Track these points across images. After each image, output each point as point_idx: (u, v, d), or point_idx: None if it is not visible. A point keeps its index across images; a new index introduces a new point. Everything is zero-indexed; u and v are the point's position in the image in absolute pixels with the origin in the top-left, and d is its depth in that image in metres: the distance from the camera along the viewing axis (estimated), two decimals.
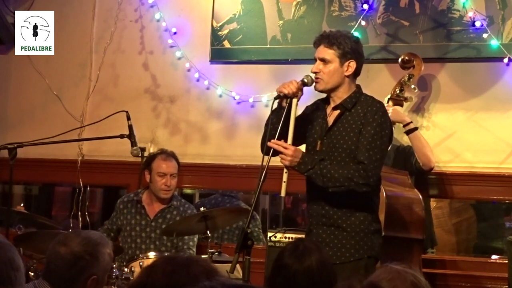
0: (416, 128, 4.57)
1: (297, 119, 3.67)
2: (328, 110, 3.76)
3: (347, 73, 3.69)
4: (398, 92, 4.65)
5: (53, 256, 2.71)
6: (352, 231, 3.61)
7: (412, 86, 4.67)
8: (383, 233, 3.82)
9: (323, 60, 3.68)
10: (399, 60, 4.67)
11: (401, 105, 4.69)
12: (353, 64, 3.69)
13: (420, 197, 4.37)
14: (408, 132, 4.56)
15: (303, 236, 3.95)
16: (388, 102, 4.61)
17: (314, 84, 3.71)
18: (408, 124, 4.56)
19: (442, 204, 5.23)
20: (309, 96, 4.87)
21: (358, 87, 3.75)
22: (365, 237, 3.63)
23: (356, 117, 3.65)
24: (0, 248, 1.98)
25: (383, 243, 3.74)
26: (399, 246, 4.13)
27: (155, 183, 4.80)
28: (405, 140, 4.73)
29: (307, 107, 3.87)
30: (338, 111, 3.71)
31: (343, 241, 3.60)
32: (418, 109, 4.90)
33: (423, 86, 4.88)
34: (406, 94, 4.66)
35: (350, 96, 3.70)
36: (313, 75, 3.75)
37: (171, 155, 4.87)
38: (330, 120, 3.72)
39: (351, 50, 3.69)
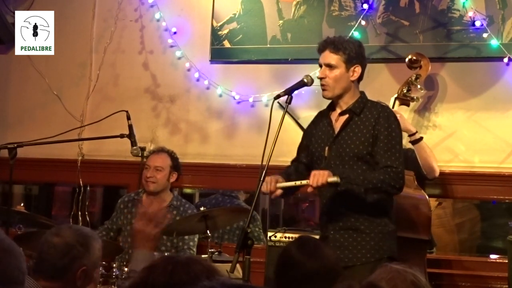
0: (421, 138, 4.51)
1: (304, 135, 3.79)
2: (334, 116, 3.77)
3: (352, 78, 3.72)
4: (405, 91, 4.63)
5: (46, 246, 2.77)
6: (371, 233, 3.63)
7: (419, 86, 4.65)
8: None
9: (329, 66, 3.69)
10: (406, 59, 4.65)
11: (408, 105, 4.68)
12: (358, 69, 3.71)
13: (427, 197, 4.35)
14: (413, 142, 4.50)
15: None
16: (394, 102, 4.59)
17: (322, 91, 3.73)
18: (413, 134, 4.50)
19: (445, 204, 5.21)
20: (309, 96, 4.90)
21: (363, 93, 3.78)
22: (384, 238, 3.66)
23: (366, 122, 3.67)
24: (14, 254, 2.05)
25: None
26: (405, 246, 4.12)
27: (142, 177, 4.84)
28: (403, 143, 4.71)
29: (309, 124, 3.90)
30: (345, 117, 3.71)
31: (363, 243, 3.62)
32: (419, 109, 4.90)
33: (427, 86, 4.87)
34: (413, 94, 4.65)
35: (357, 101, 3.73)
36: (313, 75, 3.77)
37: (161, 150, 4.89)
38: (338, 125, 3.73)
39: (355, 55, 3.71)
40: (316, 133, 3.81)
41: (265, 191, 3.53)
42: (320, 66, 3.74)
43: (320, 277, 2.83)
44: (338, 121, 3.74)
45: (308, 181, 3.48)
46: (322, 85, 3.71)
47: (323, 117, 3.83)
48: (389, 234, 3.68)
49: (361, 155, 3.63)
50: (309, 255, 2.87)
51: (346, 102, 3.73)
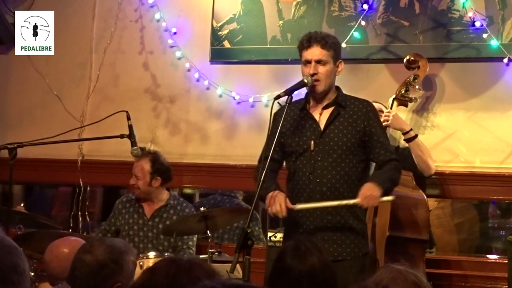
0: (416, 136, 4.52)
1: (278, 132, 3.65)
2: (315, 111, 3.78)
3: (337, 74, 3.81)
4: (403, 92, 4.63)
5: (79, 264, 2.78)
6: (356, 228, 3.70)
7: (417, 87, 4.66)
8: (388, 233, 3.89)
9: (320, 62, 3.71)
10: (404, 60, 4.66)
11: (406, 106, 4.69)
12: (341, 65, 3.82)
13: (425, 197, 4.37)
14: (408, 140, 4.51)
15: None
16: (393, 102, 4.60)
17: (312, 86, 3.73)
18: (408, 132, 4.50)
19: (444, 204, 5.22)
20: None
21: (338, 87, 3.85)
22: (366, 233, 3.78)
23: (353, 115, 3.74)
24: (4, 251, 1.98)
25: (388, 243, 3.82)
26: (403, 246, 4.15)
27: None
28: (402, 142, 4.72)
29: (278, 119, 3.69)
30: (330, 110, 3.75)
31: (351, 237, 3.67)
32: (418, 109, 4.90)
33: (425, 86, 4.87)
34: (411, 95, 4.65)
35: (339, 95, 3.81)
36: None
37: (142, 155, 4.78)
38: (323, 120, 3.74)
39: (340, 50, 3.83)
40: (296, 128, 3.78)
41: (276, 214, 3.60)
42: (308, 62, 3.73)
43: (306, 281, 2.84)
44: (322, 115, 3.76)
45: (356, 201, 3.54)
46: (314, 80, 3.71)
47: (300, 112, 3.79)
48: (366, 229, 3.82)
49: (351, 148, 3.68)
50: (299, 259, 2.87)
51: (329, 97, 3.78)
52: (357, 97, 3.86)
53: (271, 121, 3.63)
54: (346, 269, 3.55)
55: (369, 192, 3.53)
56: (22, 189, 6.50)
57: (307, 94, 3.83)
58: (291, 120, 3.80)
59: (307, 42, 3.75)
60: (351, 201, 3.56)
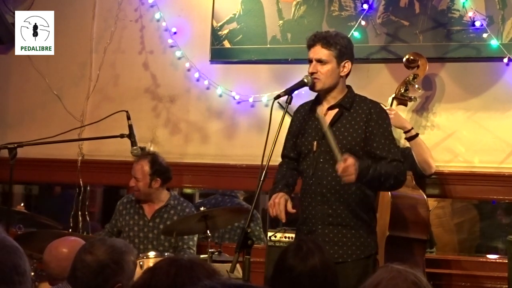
0: (417, 135, 4.52)
1: (291, 132, 3.78)
2: (321, 111, 3.75)
3: (342, 74, 3.73)
4: (402, 91, 4.63)
5: (79, 264, 2.78)
6: (359, 229, 3.66)
7: (416, 86, 4.66)
8: (388, 233, 3.87)
9: (320, 61, 3.69)
10: (404, 59, 4.66)
11: (405, 105, 4.69)
12: (348, 65, 3.72)
13: (425, 197, 4.37)
14: (409, 139, 4.50)
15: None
16: (392, 102, 4.60)
17: (312, 84, 3.72)
18: (409, 130, 4.49)
19: (444, 204, 5.22)
20: (309, 96, 4.86)
21: (349, 87, 3.79)
22: (371, 234, 3.70)
23: (357, 117, 3.69)
24: (5, 251, 1.98)
25: (388, 242, 3.87)
26: (403, 246, 4.15)
27: None
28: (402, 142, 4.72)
29: (292, 119, 3.87)
30: (335, 111, 3.72)
31: (353, 239, 3.63)
32: (418, 109, 4.90)
33: (425, 86, 4.87)
34: (411, 94, 4.66)
35: (346, 96, 3.74)
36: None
37: (141, 157, 4.79)
38: (327, 120, 3.72)
39: (346, 50, 3.72)
40: (303, 128, 3.79)
41: (278, 216, 3.59)
42: (310, 61, 3.73)
43: (307, 282, 2.84)
44: (327, 115, 3.73)
45: (339, 161, 3.42)
46: (313, 78, 3.70)
47: (309, 112, 3.81)
48: (374, 230, 3.74)
49: (353, 151, 3.59)
50: (300, 259, 2.87)
51: (335, 97, 3.74)
52: (367, 98, 3.78)
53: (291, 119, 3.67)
54: (348, 271, 3.52)
55: (351, 168, 3.40)
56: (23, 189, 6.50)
57: (317, 94, 3.82)
58: (302, 120, 3.81)
59: (311, 40, 3.74)
60: (339, 157, 3.42)
